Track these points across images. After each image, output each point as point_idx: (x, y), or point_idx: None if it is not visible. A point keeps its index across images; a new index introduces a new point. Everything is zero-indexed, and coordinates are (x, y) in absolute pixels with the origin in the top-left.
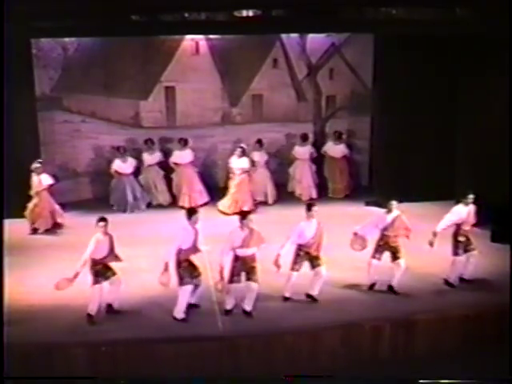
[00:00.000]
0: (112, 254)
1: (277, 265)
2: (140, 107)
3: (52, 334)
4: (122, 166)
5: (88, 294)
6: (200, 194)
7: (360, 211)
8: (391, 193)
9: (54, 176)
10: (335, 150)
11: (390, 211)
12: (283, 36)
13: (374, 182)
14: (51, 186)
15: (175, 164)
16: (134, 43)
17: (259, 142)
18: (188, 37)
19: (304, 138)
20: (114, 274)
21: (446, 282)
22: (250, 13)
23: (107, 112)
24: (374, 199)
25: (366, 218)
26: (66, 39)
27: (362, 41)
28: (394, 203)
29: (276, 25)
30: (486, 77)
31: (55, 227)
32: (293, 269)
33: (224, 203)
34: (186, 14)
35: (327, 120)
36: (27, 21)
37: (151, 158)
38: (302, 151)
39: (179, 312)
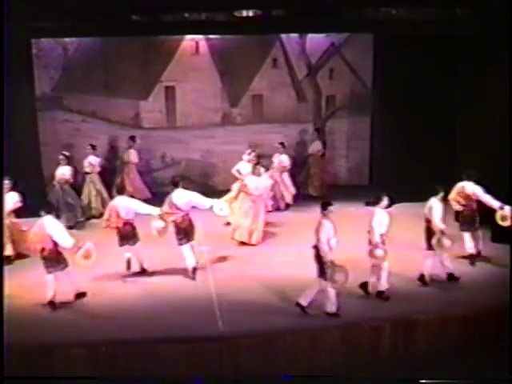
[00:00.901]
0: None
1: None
2: (140, 107)
3: (52, 333)
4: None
5: (89, 295)
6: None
7: (360, 211)
8: (391, 193)
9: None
10: (312, 146)
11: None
12: (283, 36)
13: (373, 182)
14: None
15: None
16: (134, 43)
17: (282, 144)
18: (188, 37)
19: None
20: (66, 265)
21: (421, 279)
22: (250, 13)
23: (107, 112)
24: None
25: (366, 218)
26: (67, 39)
27: (362, 41)
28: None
29: (276, 25)
30: (486, 77)
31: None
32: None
33: (242, 234)
34: (186, 14)
35: (327, 120)
36: (28, 21)
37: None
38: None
39: None
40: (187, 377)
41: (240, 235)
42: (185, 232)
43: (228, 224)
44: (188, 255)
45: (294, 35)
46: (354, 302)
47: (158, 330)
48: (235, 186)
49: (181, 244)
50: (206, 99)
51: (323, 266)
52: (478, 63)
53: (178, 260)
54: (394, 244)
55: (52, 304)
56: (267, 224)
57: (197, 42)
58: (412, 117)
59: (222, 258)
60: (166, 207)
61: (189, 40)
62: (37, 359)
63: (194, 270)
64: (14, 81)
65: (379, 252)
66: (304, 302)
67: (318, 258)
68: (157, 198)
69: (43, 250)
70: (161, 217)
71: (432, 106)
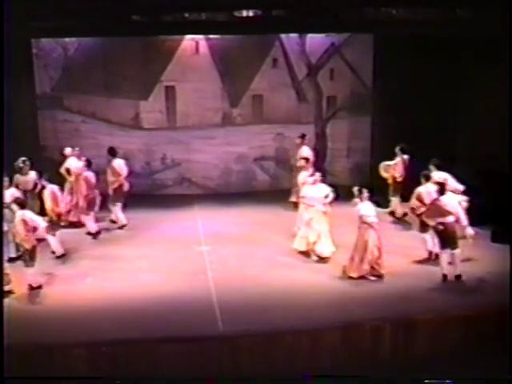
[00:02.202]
0: None
1: None
2: (140, 107)
3: (52, 334)
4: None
5: (89, 295)
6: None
7: None
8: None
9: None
10: (299, 151)
11: None
12: (283, 36)
13: (374, 183)
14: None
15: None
16: (134, 43)
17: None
18: (188, 37)
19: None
20: None
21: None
22: (250, 13)
23: (107, 112)
24: (375, 199)
25: None
26: (67, 39)
27: (362, 41)
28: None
29: (276, 25)
30: (487, 77)
31: None
32: None
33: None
34: (187, 14)
35: (328, 121)
36: (28, 21)
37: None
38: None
39: None
40: (187, 377)
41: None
42: (119, 195)
43: None
44: (119, 215)
45: (294, 35)
46: (354, 302)
47: (158, 329)
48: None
49: (113, 205)
50: (206, 99)
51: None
52: (478, 63)
53: (178, 260)
54: (393, 245)
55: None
56: (265, 224)
57: (197, 42)
58: (412, 117)
59: (222, 258)
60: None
61: (189, 40)
62: (37, 359)
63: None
64: (14, 80)
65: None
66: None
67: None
68: (158, 200)
69: None
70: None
71: (432, 105)
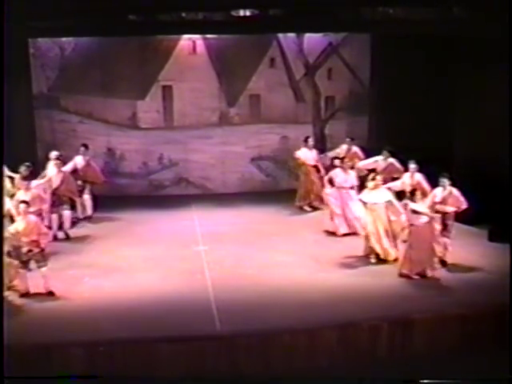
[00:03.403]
0: None
1: None
2: (137, 107)
3: (50, 333)
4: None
5: (87, 295)
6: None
7: None
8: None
9: None
10: (307, 155)
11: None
12: (280, 35)
13: None
14: None
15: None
16: (131, 43)
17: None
18: (185, 36)
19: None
20: None
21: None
22: (247, 12)
23: (104, 113)
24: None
25: None
26: (64, 39)
27: (360, 40)
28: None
29: (273, 24)
30: (485, 76)
31: None
32: None
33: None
34: (184, 14)
35: (327, 121)
36: (25, 20)
37: None
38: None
39: None
40: (185, 376)
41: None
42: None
43: None
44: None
45: (292, 35)
46: (351, 301)
47: (156, 329)
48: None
49: None
50: (204, 99)
51: None
52: (475, 62)
53: (176, 260)
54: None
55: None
56: (263, 224)
57: (194, 42)
58: (410, 117)
59: (220, 258)
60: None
61: (186, 39)
62: (35, 359)
63: None
64: (11, 80)
65: None
66: None
67: None
68: (155, 201)
69: None
70: None
71: (430, 105)
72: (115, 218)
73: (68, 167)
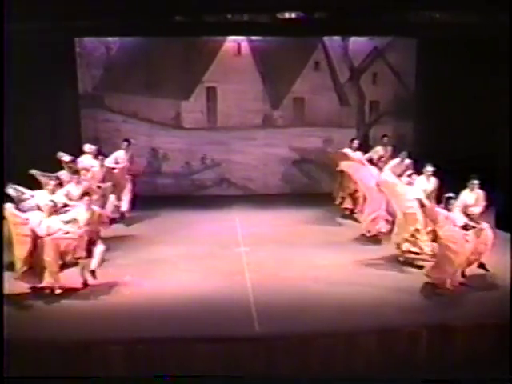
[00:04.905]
0: None
1: None
2: (181, 107)
3: (90, 330)
4: None
5: (127, 293)
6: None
7: None
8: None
9: None
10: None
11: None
12: (325, 38)
13: None
14: None
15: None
16: (176, 43)
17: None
18: (230, 38)
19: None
20: None
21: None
22: (293, 15)
23: (148, 112)
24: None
25: None
26: (110, 38)
27: (405, 44)
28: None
29: (318, 27)
30: None
31: None
32: None
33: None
34: (229, 15)
35: (371, 126)
36: (71, 20)
37: None
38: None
39: None
40: (222, 376)
41: None
42: None
43: None
44: None
45: (337, 38)
46: (390, 306)
47: (194, 329)
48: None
49: None
50: (248, 101)
51: None
52: None
53: (217, 261)
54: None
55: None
56: (304, 226)
57: (239, 44)
58: (455, 121)
59: (260, 260)
60: None
61: (231, 41)
62: (75, 356)
63: None
64: (58, 79)
65: None
66: None
67: None
68: (197, 201)
69: None
70: None
71: (476, 109)
72: (157, 217)
73: (110, 161)
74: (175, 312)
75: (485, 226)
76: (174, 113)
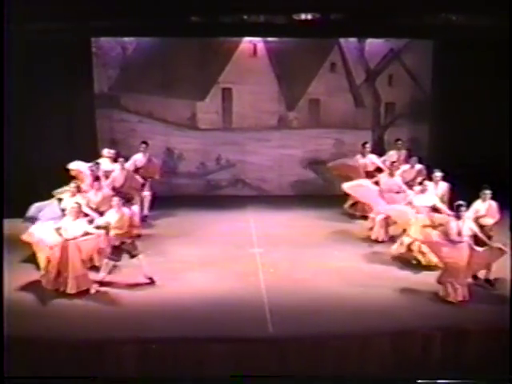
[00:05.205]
0: None
1: None
2: (197, 108)
3: (102, 329)
4: None
5: (141, 293)
6: None
7: None
8: None
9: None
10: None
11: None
12: (341, 40)
13: None
14: None
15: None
16: (192, 44)
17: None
18: (246, 39)
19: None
20: None
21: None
22: (309, 16)
23: (164, 112)
24: None
25: None
26: (126, 39)
27: (421, 47)
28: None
29: (334, 28)
30: None
31: None
32: None
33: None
34: (245, 16)
35: (386, 128)
36: (88, 20)
37: None
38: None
39: None
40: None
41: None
42: None
43: None
44: None
45: (353, 39)
46: (404, 308)
47: (208, 329)
48: None
49: None
50: (263, 102)
51: None
52: None
53: (231, 261)
54: None
55: None
56: (318, 228)
57: (255, 45)
58: (472, 125)
59: (274, 261)
60: None
61: (247, 42)
62: (87, 355)
63: None
64: (74, 79)
65: None
66: None
67: None
68: (212, 201)
69: None
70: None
71: (493, 113)
72: (172, 217)
73: (130, 164)
74: (189, 312)
75: (503, 247)
76: (189, 113)
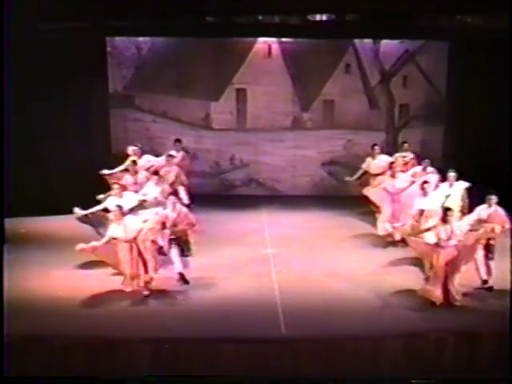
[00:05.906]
0: None
1: None
2: (211, 108)
3: (116, 329)
4: None
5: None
6: None
7: None
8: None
9: None
10: (376, 165)
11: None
12: (356, 41)
13: None
14: None
15: None
16: (207, 44)
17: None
18: (261, 39)
19: None
20: None
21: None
22: (324, 17)
23: (178, 112)
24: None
25: None
26: (140, 38)
27: (437, 48)
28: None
29: (349, 30)
30: None
31: None
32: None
33: None
34: (260, 17)
35: (400, 129)
36: (103, 20)
37: None
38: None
39: None
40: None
41: None
42: None
43: None
44: None
45: (368, 41)
46: (416, 311)
47: (221, 329)
48: None
49: None
50: (277, 102)
51: None
52: None
53: (244, 262)
54: None
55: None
56: (331, 229)
57: (269, 45)
58: (487, 127)
59: (287, 262)
60: None
61: (261, 43)
62: (102, 354)
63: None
64: (89, 79)
65: None
66: None
67: None
68: (225, 200)
69: None
70: None
71: (508, 115)
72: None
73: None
74: (202, 312)
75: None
76: (203, 113)
